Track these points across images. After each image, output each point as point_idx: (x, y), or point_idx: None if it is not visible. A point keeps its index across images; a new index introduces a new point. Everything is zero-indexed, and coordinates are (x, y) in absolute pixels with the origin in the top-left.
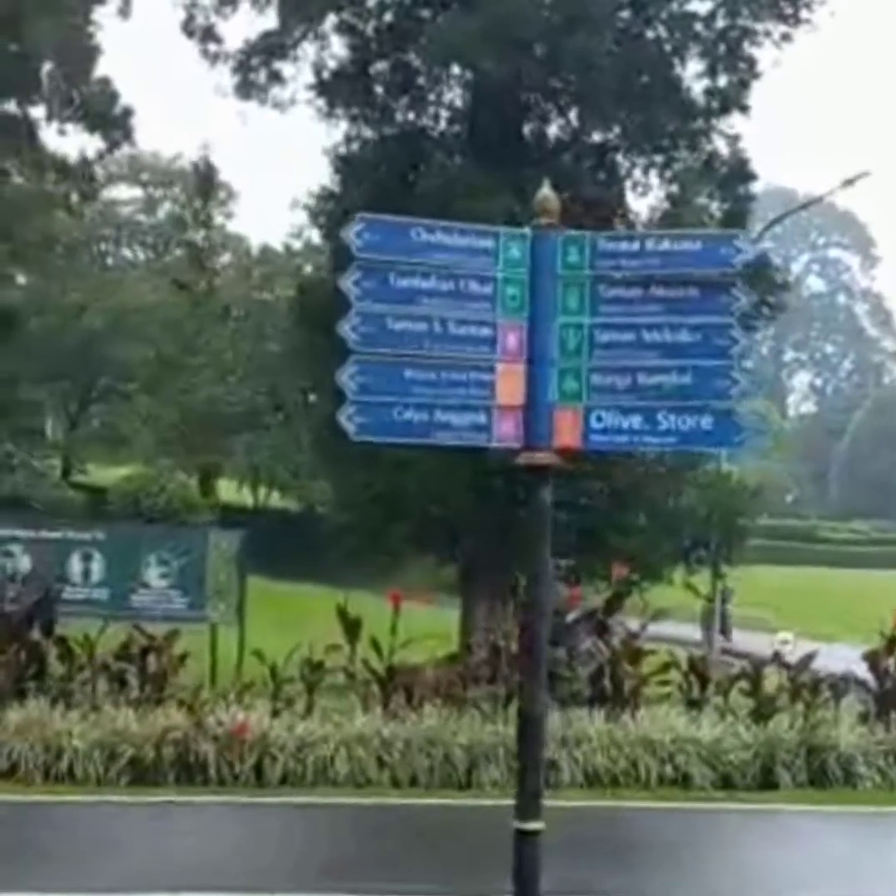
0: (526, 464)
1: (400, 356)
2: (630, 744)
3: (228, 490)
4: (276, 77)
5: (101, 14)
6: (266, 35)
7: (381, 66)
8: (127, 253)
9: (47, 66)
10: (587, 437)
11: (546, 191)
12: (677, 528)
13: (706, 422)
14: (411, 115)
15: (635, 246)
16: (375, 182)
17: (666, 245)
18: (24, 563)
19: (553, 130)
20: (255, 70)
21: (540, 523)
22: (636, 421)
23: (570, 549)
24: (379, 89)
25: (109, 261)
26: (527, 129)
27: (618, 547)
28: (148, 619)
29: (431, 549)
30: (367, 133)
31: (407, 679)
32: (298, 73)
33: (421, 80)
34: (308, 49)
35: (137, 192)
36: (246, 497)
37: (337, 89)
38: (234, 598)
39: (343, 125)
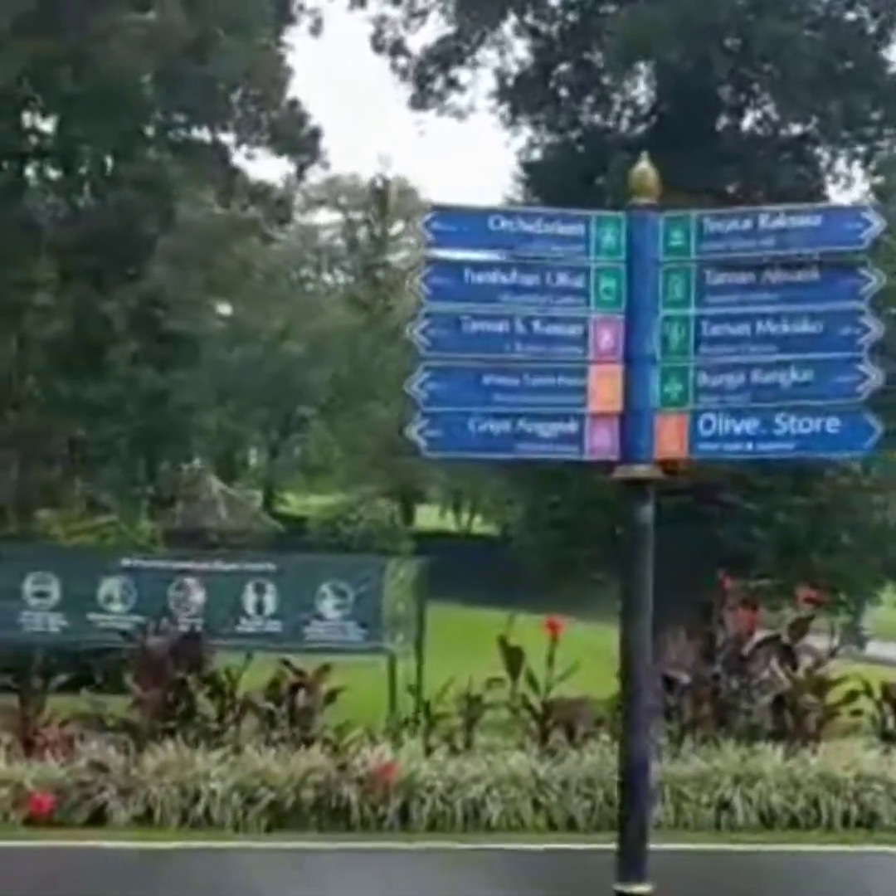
0: (623, 479)
1: (477, 360)
2: (810, 781)
3: (432, 516)
4: (453, 84)
5: (292, 34)
6: (442, 41)
7: (564, 67)
8: (327, 278)
9: (237, 91)
10: (694, 446)
11: (643, 165)
12: (885, 543)
13: (831, 424)
14: (596, 117)
15: (747, 224)
16: (559, 187)
17: (782, 222)
18: (199, 596)
19: (747, 123)
20: (432, 78)
21: (640, 548)
22: (751, 425)
23: (767, 568)
24: (562, 92)
25: (309, 287)
26: (719, 123)
27: (820, 565)
28: (323, 652)
29: (618, 572)
30: (550, 138)
31: (566, 714)
32: (476, 79)
33: (605, 80)
34: (487, 55)
35: (338, 215)
36: (450, 523)
37: (519, 94)
38: (412, 629)
39: (526, 131)
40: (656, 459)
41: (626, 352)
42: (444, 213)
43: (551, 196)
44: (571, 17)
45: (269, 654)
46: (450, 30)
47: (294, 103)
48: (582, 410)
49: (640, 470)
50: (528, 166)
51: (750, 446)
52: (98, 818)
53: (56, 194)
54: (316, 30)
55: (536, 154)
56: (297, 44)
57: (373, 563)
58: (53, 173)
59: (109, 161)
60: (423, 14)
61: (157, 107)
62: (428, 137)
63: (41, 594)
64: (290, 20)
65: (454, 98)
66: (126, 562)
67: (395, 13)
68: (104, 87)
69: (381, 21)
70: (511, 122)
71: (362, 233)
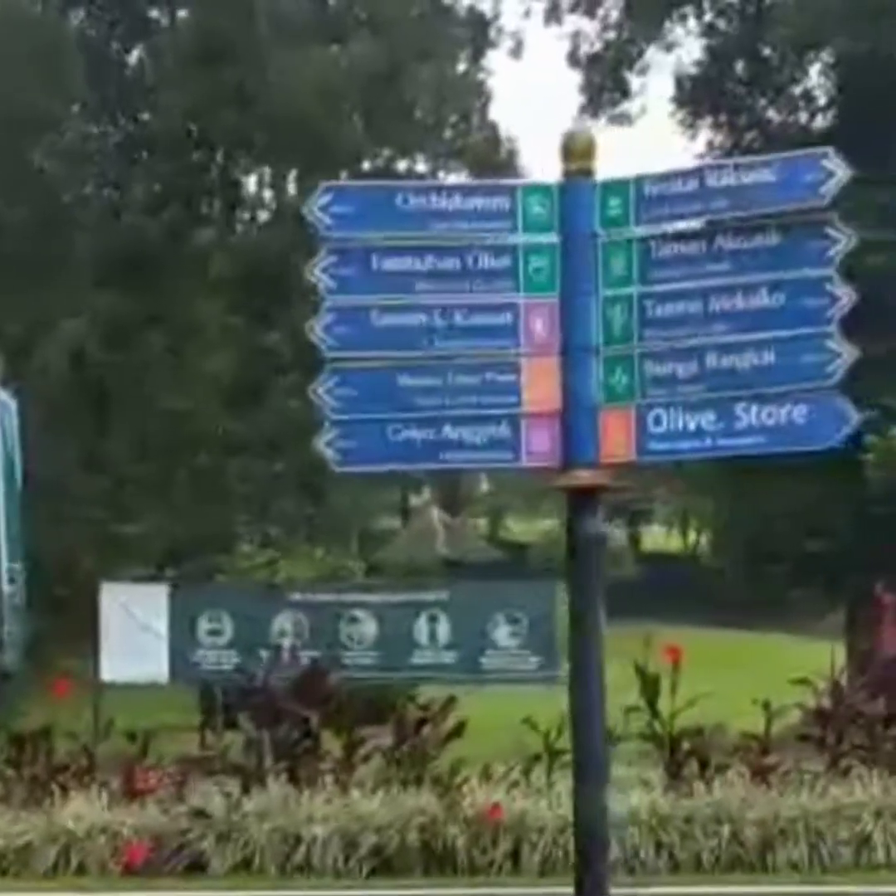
0: (565, 487)
1: (391, 360)
2: None
3: (659, 538)
4: (622, 90)
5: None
6: (610, 45)
7: (739, 64)
8: None
9: (431, 117)
10: (643, 446)
11: (576, 125)
12: None
13: (799, 413)
14: (772, 113)
15: (693, 184)
16: None
17: (733, 178)
18: (371, 628)
19: None
20: (602, 85)
21: (587, 567)
22: (707, 419)
23: None
24: (739, 90)
25: None
26: None
27: None
28: (498, 682)
29: (812, 588)
30: (730, 140)
31: (700, 744)
32: (646, 83)
33: (781, 74)
34: (656, 57)
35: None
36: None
37: (697, 95)
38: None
39: (704, 134)
40: (603, 463)
41: (563, 341)
42: (343, 192)
43: None
44: (747, 9)
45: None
46: (615, 34)
47: (491, 126)
48: (515, 411)
49: (585, 476)
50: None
51: (707, 443)
52: (196, 866)
53: (221, 230)
54: (516, 51)
55: (716, 157)
56: (498, 66)
57: (544, 588)
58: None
59: (267, 194)
60: (620, 27)
61: (344, 138)
62: (612, 151)
63: (214, 632)
64: (490, 44)
65: (626, 104)
66: (296, 596)
67: (590, 27)
68: (283, 120)
69: (575, 36)
70: (690, 125)
71: None
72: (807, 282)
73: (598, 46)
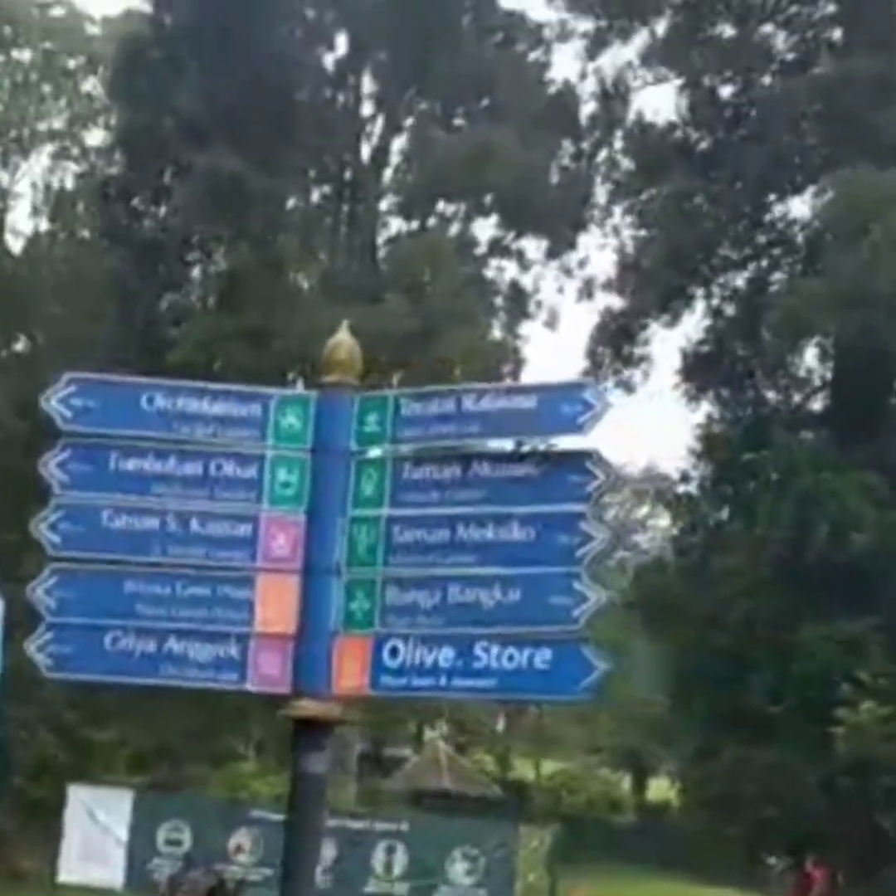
0: (294, 717)
1: (118, 564)
2: None
3: (664, 788)
4: (625, 359)
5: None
6: (616, 316)
7: (738, 346)
8: None
9: (464, 379)
10: (376, 679)
11: (341, 335)
12: None
13: (541, 658)
14: (770, 394)
15: (450, 406)
16: (725, 459)
17: (489, 403)
18: (329, 852)
19: None
20: (603, 353)
21: (308, 807)
22: (445, 656)
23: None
24: (738, 367)
25: None
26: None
27: None
28: None
29: (770, 853)
30: (730, 413)
31: None
32: (651, 354)
33: (774, 357)
34: (661, 333)
35: None
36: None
37: (699, 371)
38: None
39: (704, 407)
40: (335, 694)
41: (305, 559)
42: (86, 385)
43: (715, 468)
44: (750, 294)
45: None
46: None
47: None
48: (246, 629)
49: (314, 707)
50: (703, 439)
51: (442, 681)
52: None
53: None
54: (551, 323)
55: (715, 428)
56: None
57: (505, 830)
58: None
59: None
60: (643, 315)
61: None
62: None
63: (172, 842)
64: (526, 315)
65: (629, 373)
66: (256, 813)
67: (617, 303)
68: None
69: (606, 313)
70: (692, 398)
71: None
72: (559, 518)
73: (620, 321)
